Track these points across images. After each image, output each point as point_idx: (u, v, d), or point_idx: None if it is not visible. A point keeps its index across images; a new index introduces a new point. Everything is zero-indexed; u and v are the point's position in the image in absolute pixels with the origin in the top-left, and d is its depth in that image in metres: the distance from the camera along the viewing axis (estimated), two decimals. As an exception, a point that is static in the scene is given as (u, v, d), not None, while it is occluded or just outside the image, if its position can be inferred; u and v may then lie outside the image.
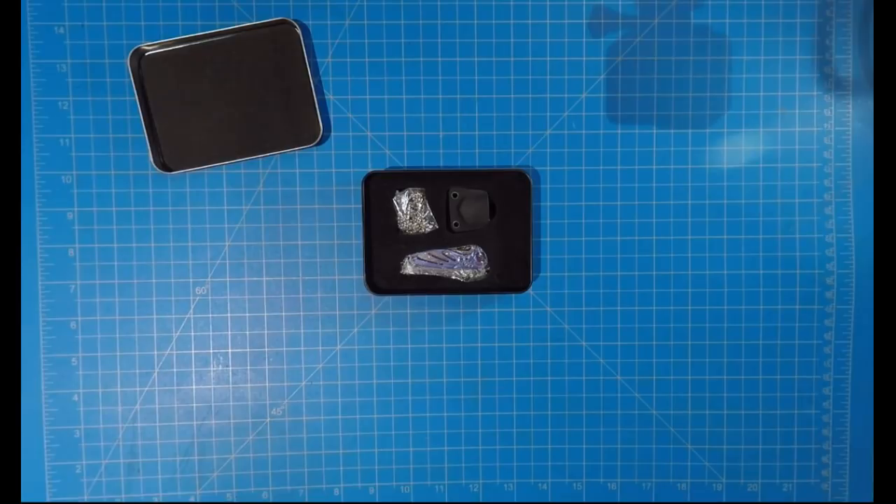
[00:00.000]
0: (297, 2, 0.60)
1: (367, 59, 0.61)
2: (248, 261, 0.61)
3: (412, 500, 0.63)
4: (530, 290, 0.62)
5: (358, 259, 0.61)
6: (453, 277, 0.61)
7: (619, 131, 0.62)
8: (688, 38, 0.61)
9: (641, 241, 0.62)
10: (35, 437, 0.61)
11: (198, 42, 0.60)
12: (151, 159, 0.60)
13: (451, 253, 0.61)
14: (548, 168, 0.62)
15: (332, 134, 0.61)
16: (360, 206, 0.60)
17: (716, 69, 0.61)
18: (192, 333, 0.62)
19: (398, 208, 0.60)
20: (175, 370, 0.62)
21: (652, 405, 0.63)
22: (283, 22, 0.59)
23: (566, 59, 0.61)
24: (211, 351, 0.62)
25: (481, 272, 0.61)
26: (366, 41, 0.61)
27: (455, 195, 0.60)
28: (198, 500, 0.62)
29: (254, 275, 0.62)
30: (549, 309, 0.62)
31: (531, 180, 0.60)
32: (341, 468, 0.62)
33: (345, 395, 0.62)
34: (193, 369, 0.62)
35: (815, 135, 0.62)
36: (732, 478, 0.63)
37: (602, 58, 0.61)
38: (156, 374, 0.62)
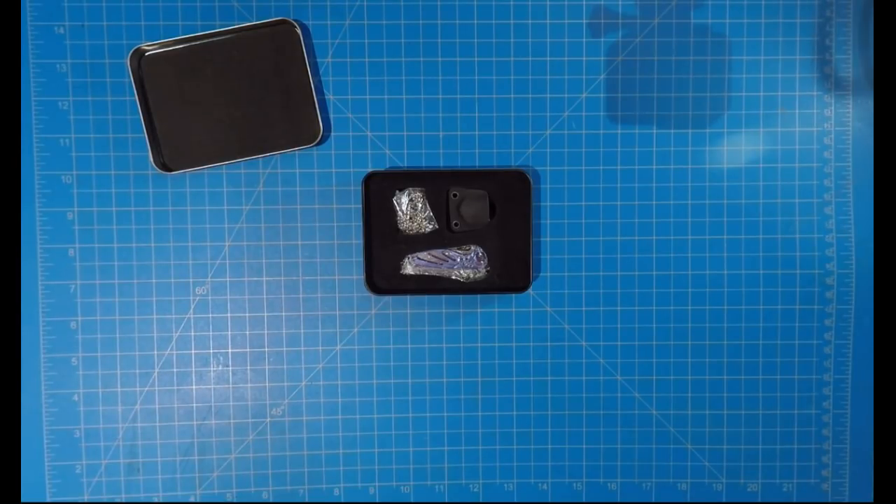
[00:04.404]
0: (297, 2, 0.60)
1: (367, 59, 0.61)
2: (248, 261, 0.61)
3: (412, 500, 0.63)
4: (530, 290, 0.62)
5: (358, 259, 0.61)
6: (453, 277, 0.61)
7: (619, 131, 0.62)
8: (688, 38, 0.61)
9: (641, 241, 0.62)
10: (35, 437, 0.61)
11: (198, 42, 0.60)
12: (151, 159, 0.60)
13: (451, 253, 0.61)
14: (548, 168, 0.62)
15: (332, 134, 0.61)
16: (360, 206, 0.60)
17: (716, 69, 0.61)
18: (192, 333, 0.62)
19: (398, 208, 0.60)
20: (175, 370, 0.62)
21: (652, 405, 0.63)
22: (283, 22, 0.59)
23: (566, 59, 0.61)
24: (211, 351, 0.62)
25: (481, 272, 0.61)
26: (366, 41, 0.61)
27: (455, 195, 0.60)
28: (198, 500, 0.62)
29: (254, 275, 0.62)
30: (549, 309, 0.62)
31: (531, 180, 0.60)
32: (341, 468, 0.62)
33: (345, 395, 0.62)
34: (193, 369, 0.62)
35: (815, 135, 0.62)
36: (732, 478, 0.63)
37: (602, 58, 0.61)
38: (156, 374, 0.62)
